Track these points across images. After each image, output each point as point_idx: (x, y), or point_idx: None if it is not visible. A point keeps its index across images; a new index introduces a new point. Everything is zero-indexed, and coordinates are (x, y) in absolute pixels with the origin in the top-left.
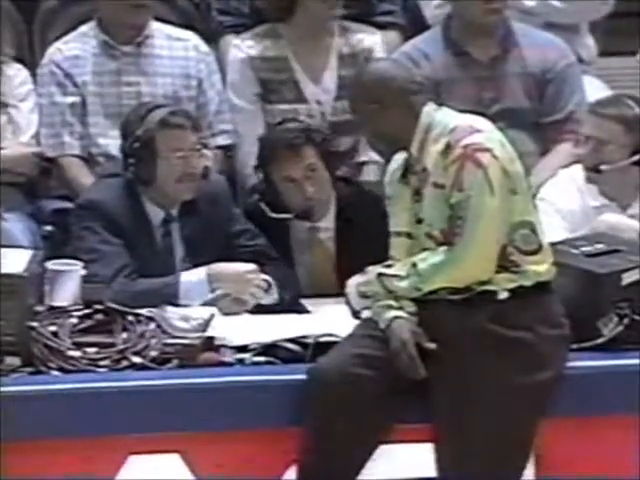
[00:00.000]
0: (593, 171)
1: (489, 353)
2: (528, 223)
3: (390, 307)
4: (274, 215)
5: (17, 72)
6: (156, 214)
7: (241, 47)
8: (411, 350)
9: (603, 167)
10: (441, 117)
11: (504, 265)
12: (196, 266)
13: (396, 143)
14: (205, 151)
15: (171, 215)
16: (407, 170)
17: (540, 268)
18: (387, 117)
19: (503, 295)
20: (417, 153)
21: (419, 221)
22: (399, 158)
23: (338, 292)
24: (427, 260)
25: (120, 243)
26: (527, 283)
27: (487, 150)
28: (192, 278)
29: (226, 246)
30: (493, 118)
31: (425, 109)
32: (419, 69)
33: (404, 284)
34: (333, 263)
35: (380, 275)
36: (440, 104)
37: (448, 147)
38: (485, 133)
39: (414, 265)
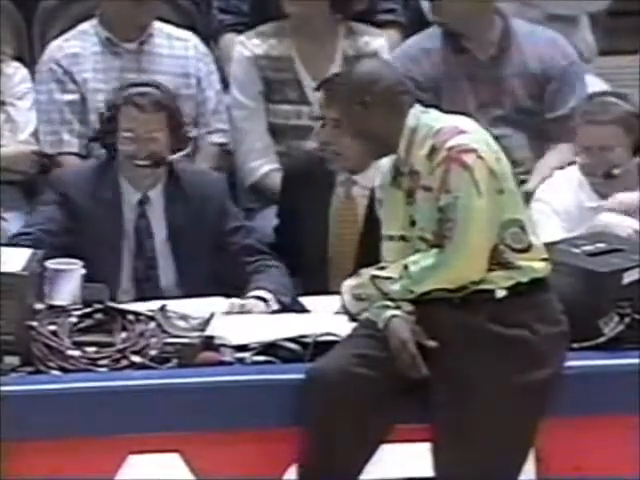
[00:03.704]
0: (605, 177)
1: (487, 352)
2: (517, 221)
3: (387, 307)
4: (309, 146)
5: (16, 70)
6: (132, 195)
7: (246, 45)
8: (412, 349)
9: (616, 171)
10: (426, 119)
11: (498, 262)
12: (179, 250)
13: (382, 144)
14: (156, 136)
15: (147, 197)
16: (397, 173)
17: (534, 265)
18: (374, 116)
19: (501, 294)
20: (404, 155)
21: (413, 223)
22: (388, 161)
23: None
24: (418, 263)
25: (61, 220)
26: (523, 279)
27: (472, 151)
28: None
29: (220, 242)
30: (494, 118)
31: (411, 111)
32: (418, 66)
33: (397, 286)
34: (358, 223)
35: (373, 277)
36: (427, 106)
37: (433, 149)
38: (470, 134)
39: (406, 267)
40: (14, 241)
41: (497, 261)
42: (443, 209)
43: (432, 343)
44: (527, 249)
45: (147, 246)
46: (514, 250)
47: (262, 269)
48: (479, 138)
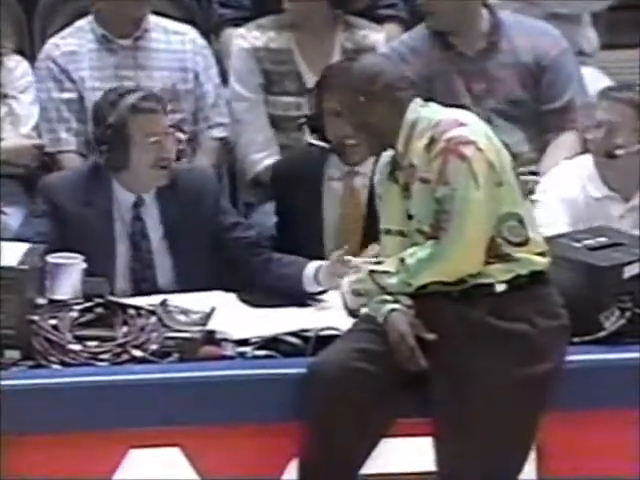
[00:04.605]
0: (607, 156)
1: (487, 346)
2: (515, 215)
3: (386, 301)
4: (311, 140)
5: (18, 64)
6: (126, 198)
7: (246, 37)
8: (410, 341)
9: (619, 152)
10: (426, 113)
11: (497, 255)
12: (176, 249)
13: (382, 137)
14: (178, 134)
15: (142, 199)
16: (394, 167)
17: (532, 258)
18: (373, 110)
19: (500, 288)
20: (403, 149)
21: (409, 217)
22: (387, 156)
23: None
24: (415, 255)
25: (51, 232)
26: (522, 271)
27: (471, 143)
28: None
29: (219, 239)
30: (489, 111)
31: (411, 105)
32: (408, 65)
33: (394, 280)
34: (362, 213)
35: (371, 272)
36: (427, 100)
37: (432, 141)
38: (469, 126)
39: (402, 261)
40: None
41: (495, 254)
42: (440, 201)
43: (431, 336)
44: (525, 242)
45: (143, 247)
46: (511, 243)
47: (273, 259)
48: (479, 131)
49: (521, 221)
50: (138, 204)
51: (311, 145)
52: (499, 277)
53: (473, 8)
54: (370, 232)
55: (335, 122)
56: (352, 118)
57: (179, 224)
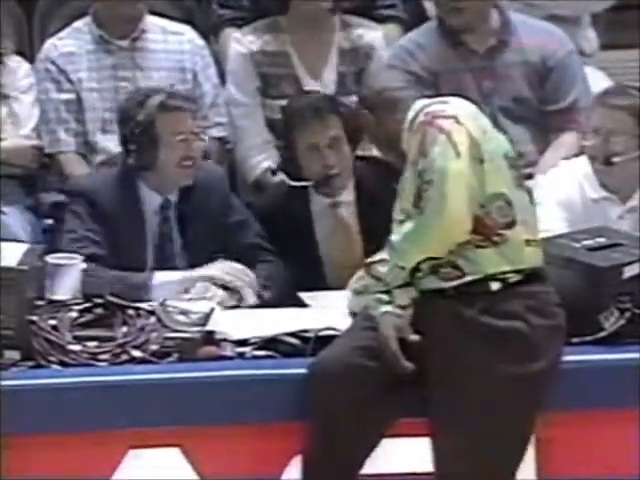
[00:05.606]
0: (604, 163)
1: (481, 344)
2: (502, 195)
3: (380, 301)
4: (292, 183)
5: (19, 64)
6: (153, 200)
7: (242, 41)
8: (392, 346)
9: (616, 159)
10: (421, 106)
11: (487, 237)
12: (192, 252)
13: (389, 144)
14: (202, 135)
15: (169, 201)
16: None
17: (522, 246)
18: (376, 119)
19: (495, 286)
20: (407, 146)
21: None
22: None
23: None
24: (400, 233)
25: (100, 231)
26: (515, 264)
27: (450, 117)
28: (165, 279)
29: (223, 237)
30: (494, 110)
31: (413, 105)
32: (416, 61)
33: (387, 267)
34: (356, 240)
35: (367, 265)
36: (436, 97)
37: (413, 119)
38: (450, 104)
39: (391, 244)
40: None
41: (484, 235)
42: (420, 173)
43: (414, 337)
44: (512, 224)
45: (167, 249)
46: (499, 224)
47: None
48: (464, 110)
49: (508, 202)
50: (165, 206)
51: (294, 187)
52: (492, 269)
53: (489, 5)
54: (368, 249)
55: (312, 157)
56: (369, 136)
57: (198, 225)
